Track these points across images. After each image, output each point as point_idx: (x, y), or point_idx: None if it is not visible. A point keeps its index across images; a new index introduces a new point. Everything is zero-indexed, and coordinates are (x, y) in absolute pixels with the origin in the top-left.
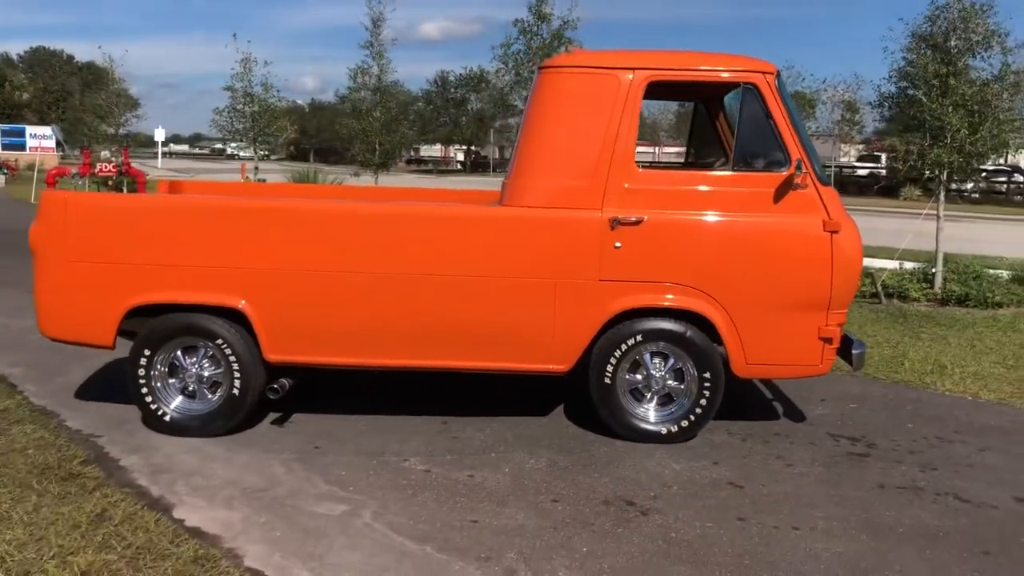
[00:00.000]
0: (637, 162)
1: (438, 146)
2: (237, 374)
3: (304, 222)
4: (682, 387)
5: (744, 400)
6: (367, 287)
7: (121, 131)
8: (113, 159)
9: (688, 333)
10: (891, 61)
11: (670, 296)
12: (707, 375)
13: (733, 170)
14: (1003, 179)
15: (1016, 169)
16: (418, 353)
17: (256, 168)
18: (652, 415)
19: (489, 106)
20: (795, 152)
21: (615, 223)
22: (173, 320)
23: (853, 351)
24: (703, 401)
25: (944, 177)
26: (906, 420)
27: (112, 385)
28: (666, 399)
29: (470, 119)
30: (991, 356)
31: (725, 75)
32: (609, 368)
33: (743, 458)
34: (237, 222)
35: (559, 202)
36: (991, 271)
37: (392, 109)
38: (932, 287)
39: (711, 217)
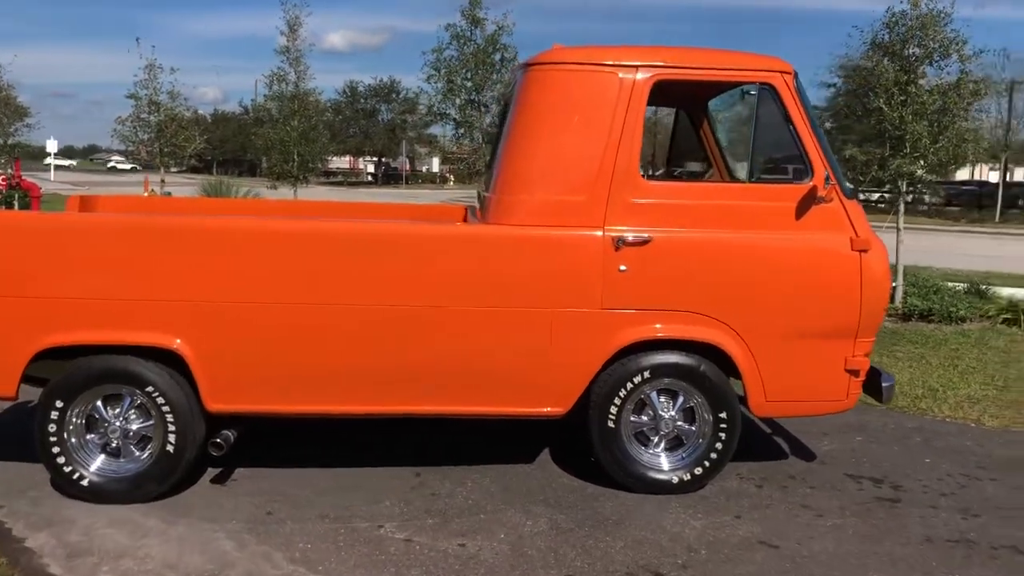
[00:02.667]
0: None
1: (347, 158)
2: (172, 427)
3: (253, 244)
4: (693, 429)
5: (744, 436)
6: (330, 321)
7: (9, 141)
8: (2, 171)
9: (702, 367)
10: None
11: (683, 326)
12: (723, 415)
13: (750, 181)
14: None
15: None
16: (390, 398)
17: (162, 181)
18: (664, 462)
19: (400, 116)
20: (818, 161)
21: (620, 243)
22: (92, 364)
23: (883, 384)
24: (719, 445)
25: (904, 188)
26: (921, 454)
27: (14, 442)
28: (675, 443)
29: (381, 130)
30: (977, 377)
31: (741, 74)
32: (613, 409)
33: (766, 508)
34: (171, 245)
35: (554, 219)
36: (949, 284)
37: (311, 117)
38: (893, 302)
39: (727, 235)
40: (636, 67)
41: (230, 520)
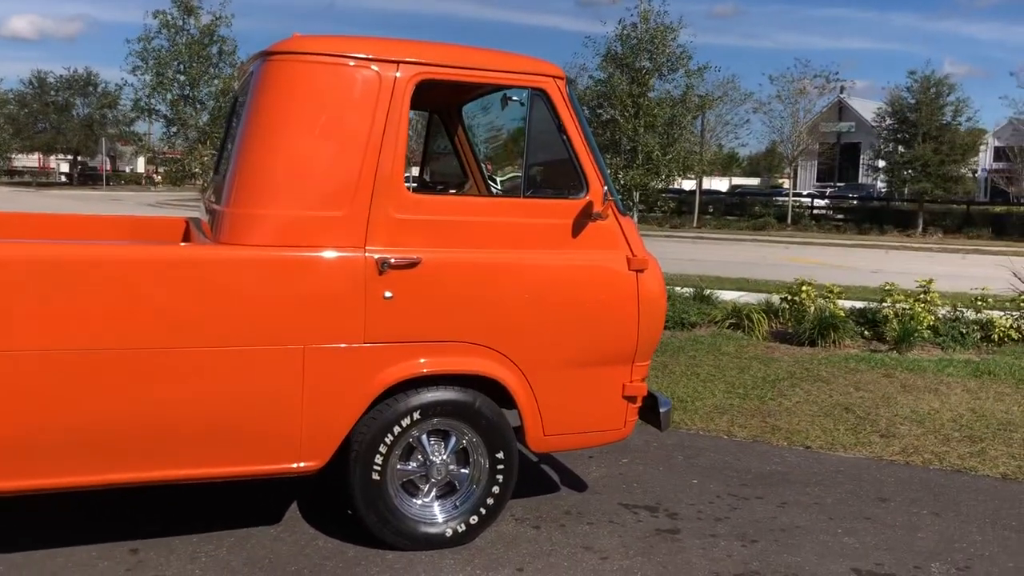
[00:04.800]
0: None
1: (36, 155)
2: None
3: None
4: (467, 472)
5: None
6: (9, 371)
7: None
8: None
9: (477, 403)
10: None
11: (457, 358)
12: (500, 455)
13: (524, 196)
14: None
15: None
16: (94, 466)
17: None
18: (438, 513)
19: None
20: (594, 175)
21: (384, 265)
22: None
23: (660, 410)
24: (496, 489)
25: (636, 199)
26: (687, 474)
27: None
28: (447, 489)
29: (76, 125)
30: (719, 385)
31: (513, 78)
32: (378, 459)
33: (548, 556)
34: None
35: (305, 238)
36: (677, 289)
37: None
38: None
39: (501, 255)
40: (397, 63)
41: None
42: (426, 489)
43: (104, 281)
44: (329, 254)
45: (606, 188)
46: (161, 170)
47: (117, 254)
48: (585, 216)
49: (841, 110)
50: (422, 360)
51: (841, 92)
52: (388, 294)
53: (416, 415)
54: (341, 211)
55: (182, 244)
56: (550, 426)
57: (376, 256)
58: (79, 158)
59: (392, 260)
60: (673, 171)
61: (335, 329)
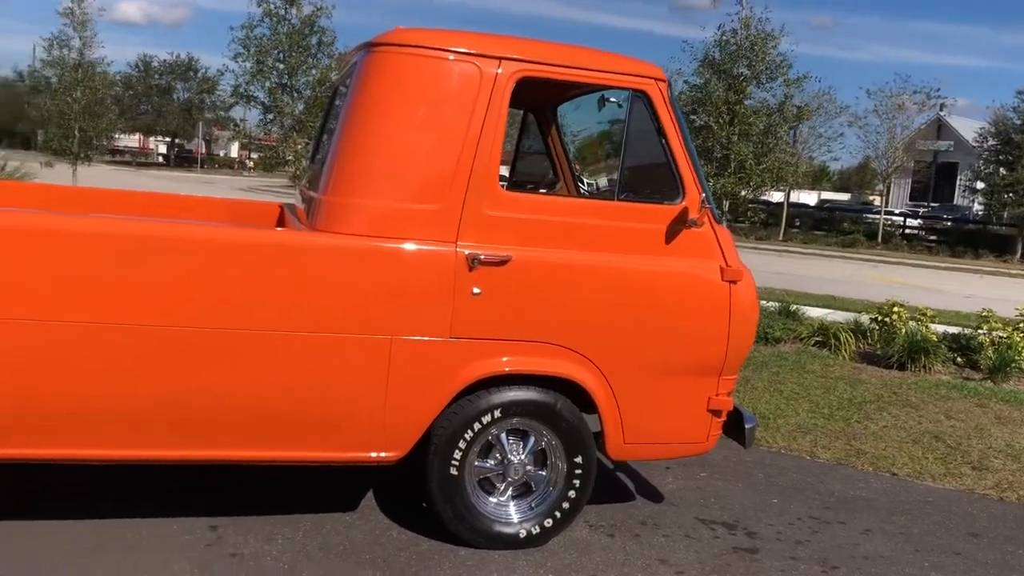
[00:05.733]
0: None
1: (137, 136)
2: None
3: (11, 246)
4: (544, 475)
5: None
6: (104, 345)
7: None
8: None
9: (559, 405)
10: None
11: (540, 358)
12: (578, 459)
13: (618, 199)
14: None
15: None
16: (182, 441)
17: None
18: (514, 513)
19: (197, 95)
20: (691, 181)
21: (475, 261)
22: None
23: (746, 426)
24: (572, 493)
25: (726, 208)
26: (767, 493)
27: None
28: (523, 490)
29: (175, 109)
30: (803, 404)
31: (614, 78)
32: (457, 454)
33: (622, 566)
34: None
35: (398, 230)
36: (763, 303)
37: (97, 90)
38: None
39: (592, 257)
40: (499, 59)
41: None
42: (502, 488)
43: (203, 261)
44: (421, 247)
45: (704, 195)
46: (254, 156)
47: (217, 235)
48: (680, 222)
49: (940, 128)
50: (506, 358)
51: (941, 110)
52: (477, 290)
53: (497, 413)
54: (435, 205)
55: (278, 229)
56: (631, 434)
57: (467, 252)
58: (176, 140)
59: (483, 256)
60: (766, 181)
61: (422, 322)
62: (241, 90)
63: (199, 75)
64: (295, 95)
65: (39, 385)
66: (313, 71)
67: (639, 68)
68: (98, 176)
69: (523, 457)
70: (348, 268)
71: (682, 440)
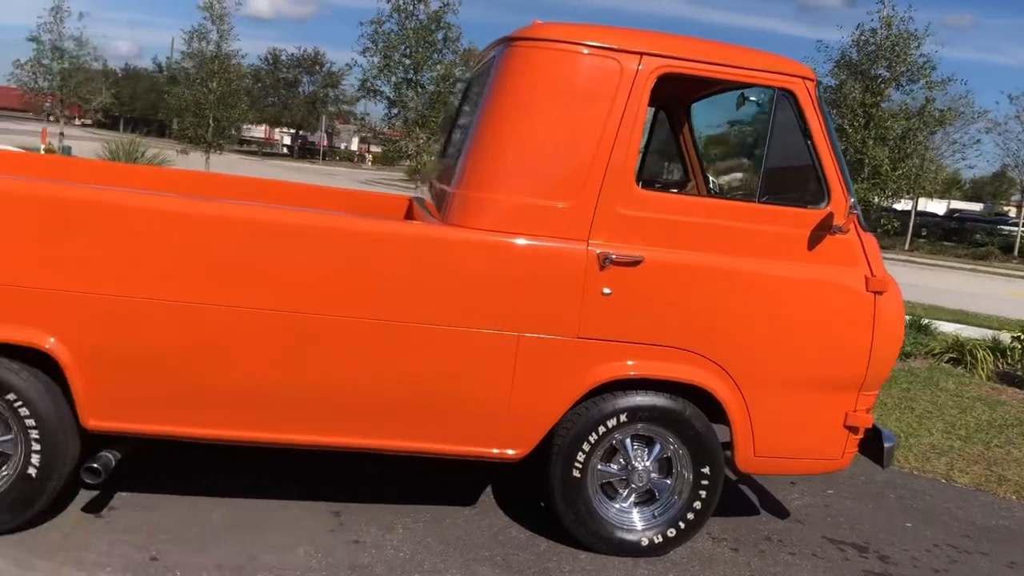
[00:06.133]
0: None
1: (263, 127)
2: (37, 445)
3: (152, 227)
4: (668, 483)
5: None
6: (242, 328)
7: None
8: None
9: (688, 413)
10: None
11: (670, 363)
12: (705, 469)
13: (759, 202)
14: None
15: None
16: (310, 426)
17: (61, 135)
18: (637, 520)
19: (321, 89)
20: (837, 185)
21: (606, 261)
22: None
23: (885, 445)
24: (697, 504)
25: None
26: (900, 516)
27: None
28: (646, 497)
29: (300, 101)
30: (937, 423)
31: (760, 76)
32: (580, 456)
33: None
34: (46, 217)
35: (530, 226)
36: None
37: (232, 81)
38: None
39: (728, 261)
40: (640, 54)
41: (106, 566)
42: (624, 494)
43: (340, 250)
44: (552, 244)
45: (852, 200)
46: (373, 150)
47: (355, 226)
48: (824, 228)
49: None
50: (634, 362)
51: None
52: (607, 290)
53: (623, 417)
54: (569, 202)
55: (412, 222)
56: (762, 447)
57: (598, 250)
58: (300, 132)
59: (614, 256)
60: (903, 188)
61: (551, 320)
62: (368, 84)
63: (324, 69)
64: (420, 90)
65: (212, 366)
66: (438, 66)
67: (787, 66)
68: (227, 164)
69: (648, 464)
70: (480, 262)
71: (816, 456)
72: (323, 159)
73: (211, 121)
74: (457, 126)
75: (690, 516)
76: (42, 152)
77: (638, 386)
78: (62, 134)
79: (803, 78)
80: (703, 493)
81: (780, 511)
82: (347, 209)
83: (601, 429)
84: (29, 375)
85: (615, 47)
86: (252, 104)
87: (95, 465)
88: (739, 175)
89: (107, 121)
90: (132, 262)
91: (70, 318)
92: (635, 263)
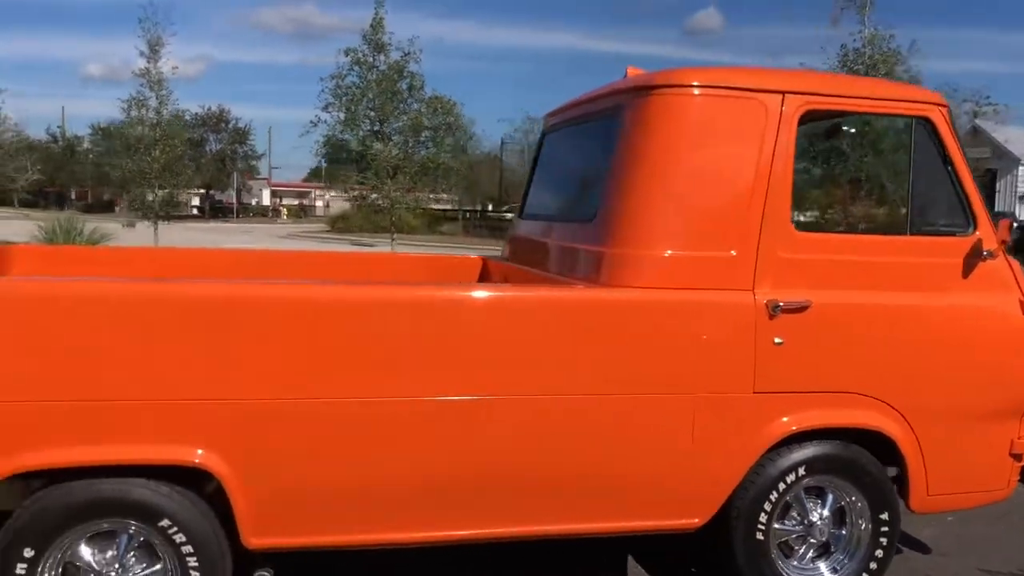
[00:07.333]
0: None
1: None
2: (195, 573)
3: (307, 321)
4: (844, 533)
5: None
6: (412, 422)
7: None
8: None
9: (863, 459)
10: None
11: (845, 410)
12: (884, 516)
13: (911, 234)
14: None
15: None
16: (491, 517)
17: None
18: (826, 572)
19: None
20: (981, 209)
21: (775, 309)
22: (77, 492)
23: None
24: (879, 552)
25: None
26: None
27: None
28: (822, 551)
29: (209, 161)
30: None
31: (897, 106)
32: (763, 517)
33: None
34: (190, 320)
35: (693, 279)
36: None
37: (176, 147)
38: None
39: (889, 297)
40: (783, 93)
41: None
42: (801, 551)
43: (511, 324)
44: (719, 296)
45: (998, 223)
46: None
47: (519, 297)
48: (975, 255)
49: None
50: (810, 413)
51: (975, 117)
52: (778, 340)
53: (801, 471)
54: (729, 251)
55: (575, 286)
56: (935, 484)
57: (766, 299)
58: (210, 191)
59: (782, 303)
60: None
61: (725, 377)
62: (333, 139)
63: (230, 126)
64: (387, 141)
65: (387, 464)
66: (403, 116)
67: (922, 95)
68: (149, 235)
69: (825, 516)
70: (644, 322)
71: (982, 488)
72: (236, 216)
73: (156, 191)
74: (536, 183)
75: (872, 567)
76: None
77: (812, 436)
78: None
79: (936, 104)
80: (884, 540)
81: (917, 544)
82: (429, 276)
83: (781, 486)
84: (183, 497)
85: (757, 88)
86: (199, 168)
87: None
88: (880, 208)
89: (30, 200)
90: (293, 360)
91: (222, 428)
92: (802, 308)
